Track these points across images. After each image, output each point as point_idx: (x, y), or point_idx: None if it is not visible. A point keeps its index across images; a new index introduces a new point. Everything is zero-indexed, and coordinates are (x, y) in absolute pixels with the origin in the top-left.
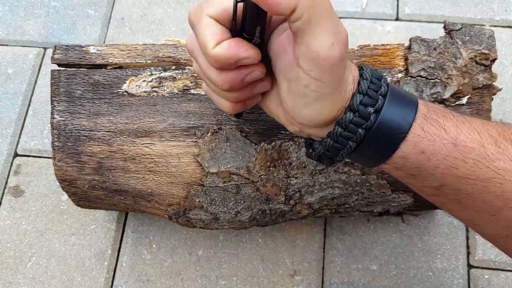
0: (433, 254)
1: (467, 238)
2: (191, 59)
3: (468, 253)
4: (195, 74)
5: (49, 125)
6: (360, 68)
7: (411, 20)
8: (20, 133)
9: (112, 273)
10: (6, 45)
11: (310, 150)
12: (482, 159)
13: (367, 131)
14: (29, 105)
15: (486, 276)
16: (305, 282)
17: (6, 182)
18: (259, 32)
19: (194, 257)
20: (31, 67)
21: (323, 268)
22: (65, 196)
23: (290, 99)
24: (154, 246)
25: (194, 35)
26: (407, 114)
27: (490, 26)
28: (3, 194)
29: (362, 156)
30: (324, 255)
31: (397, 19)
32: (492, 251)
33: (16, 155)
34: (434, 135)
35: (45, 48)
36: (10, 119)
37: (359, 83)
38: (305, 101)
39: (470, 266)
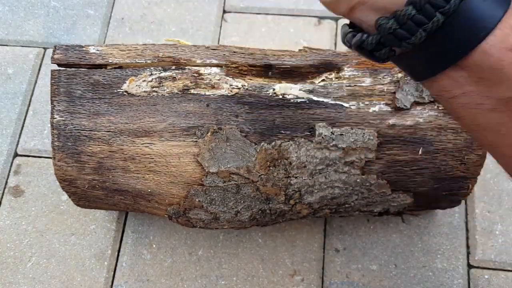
0: (433, 254)
1: (467, 238)
2: (192, 58)
3: (468, 253)
4: (195, 74)
5: (49, 125)
6: None
7: None
8: (20, 133)
9: (112, 273)
10: (6, 45)
11: (364, 36)
12: None
13: (447, 17)
14: (29, 105)
15: (486, 276)
16: (305, 282)
17: (6, 182)
18: None
19: (194, 257)
20: (31, 67)
21: (323, 268)
22: (65, 196)
23: None
24: (154, 246)
25: None
26: (500, 1)
27: None
28: (3, 194)
29: (440, 45)
30: (324, 255)
31: None
32: (492, 251)
33: (16, 155)
34: None
35: (45, 48)
36: (10, 119)
37: None
38: None
39: (470, 266)
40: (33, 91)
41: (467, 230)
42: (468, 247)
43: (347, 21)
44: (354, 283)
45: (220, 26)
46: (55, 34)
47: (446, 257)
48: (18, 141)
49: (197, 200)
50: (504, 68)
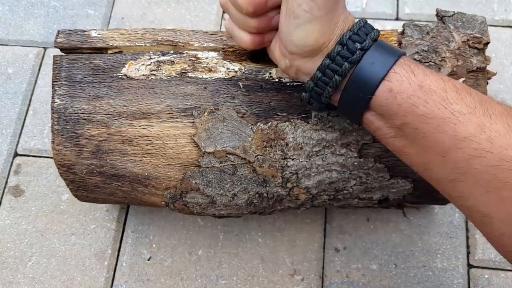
0: (433, 254)
1: (467, 238)
2: (190, 42)
3: (468, 253)
4: (193, 58)
5: (49, 125)
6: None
7: (411, 20)
8: (20, 133)
9: (112, 272)
10: (6, 45)
11: (303, 94)
12: (442, 101)
13: (352, 65)
14: (29, 105)
15: (486, 276)
16: (305, 281)
17: (6, 182)
18: None
19: (194, 256)
20: (31, 67)
21: (323, 268)
22: (65, 196)
23: (285, 23)
24: (154, 245)
25: None
26: (389, 58)
27: (490, 25)
28: (3, 194)
29: (347, 98)
30: (324, 255)
31: (397, 18)
32: (492, 250)
33: (16, 154)
34: (403, 76)
35: (45, 48)
36: (10, 119)
37: (352, 26)
38: (297, 22)
39: (470, 266)
40: (33, 91)
41: (467, 229)
42: (468, 247)
43: None
44: (354, 282)
45: (220, 26)
46: (55, 34)
47: (446, 256)
48: (18, 141)
49: (193, 182)
50: (388, 104)
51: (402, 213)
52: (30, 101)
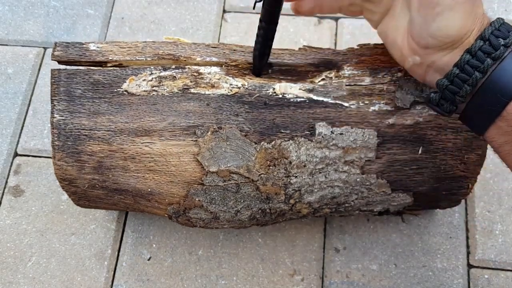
0: (433, 254)
1: (467, 238)
2: (192, 56)
3: (468, 253)
4: (195, 73)
5: (49, 125)
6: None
7: None
8: (20, 133)
9: (112, 272)
10: (6, 45)
11: (432, 94)
12: None
13: (495, 61)
14: (29, 105)
15: (486, 276)
16: (305, 281)
17: (6, 182)
18: None
19: (194, 256)
20: (31, 67)
21: (323, 268)
22: (65, 196)
23: (419, 15)
24: (154, 245)
25: None
26: None
27: None
28: (3, 194)
29: (484, 98)
30: (324, 255)
31: None
32: (492, 251)
33: (16, 154)
34: None
35: (45, 48)
36: (10, 119)
37: (492, 22)
38: (437, 11)
39: (470, 266)
40: (33, 91)
41: (467, 230)
42: (468, 247)
43: (347, 21)
44: (354, 283)
45: (220, 26)
46: (55, 34)
47: (446, 257)
48: (18, 141)
49: (197, 199)
50: None
51: (401, 219)
52: (30, 101)
